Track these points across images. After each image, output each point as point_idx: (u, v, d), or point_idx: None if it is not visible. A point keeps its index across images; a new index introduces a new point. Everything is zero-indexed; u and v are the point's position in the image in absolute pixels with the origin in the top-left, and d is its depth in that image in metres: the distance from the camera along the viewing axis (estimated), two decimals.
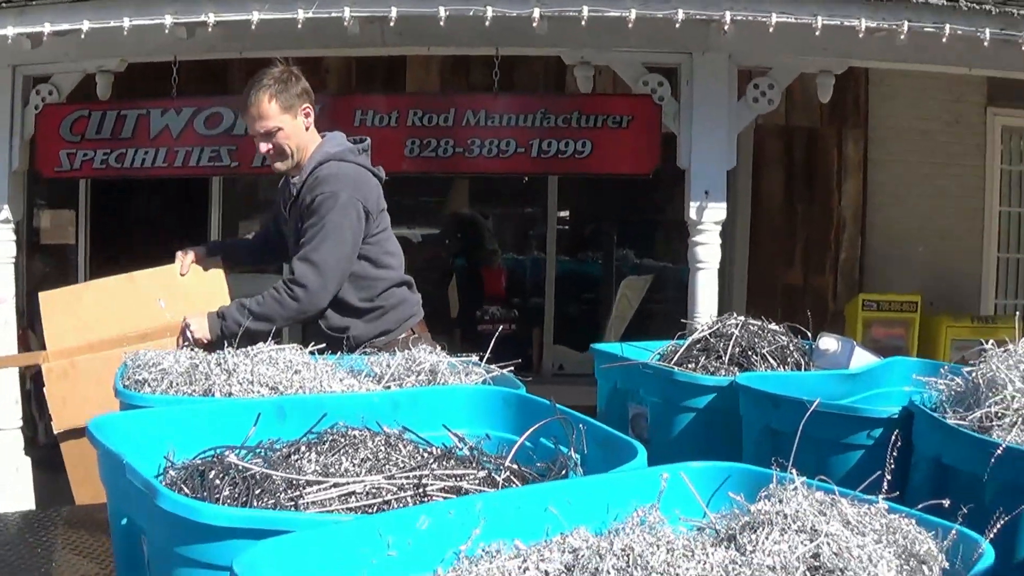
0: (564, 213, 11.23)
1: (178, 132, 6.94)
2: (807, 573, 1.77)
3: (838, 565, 1.78)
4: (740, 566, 1.72)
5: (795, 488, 2.02)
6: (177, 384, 2.91)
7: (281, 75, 4.45)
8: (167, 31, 6.30)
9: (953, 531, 1.93)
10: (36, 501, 6.85)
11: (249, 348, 3.13)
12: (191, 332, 4.18)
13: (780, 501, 1.97)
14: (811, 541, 1.83)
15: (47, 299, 4.36)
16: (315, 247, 4.31)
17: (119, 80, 7.16)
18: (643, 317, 10.30)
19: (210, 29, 6.20)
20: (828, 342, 4.15)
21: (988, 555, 1.88)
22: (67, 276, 9.43)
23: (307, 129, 4.50)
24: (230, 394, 2.90)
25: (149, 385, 2.90)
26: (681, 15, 6.29)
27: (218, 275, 4.56)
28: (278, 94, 4.41)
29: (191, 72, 7.42)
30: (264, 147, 4.46)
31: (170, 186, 9.23)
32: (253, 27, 6.14)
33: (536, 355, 10.37)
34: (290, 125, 4.44)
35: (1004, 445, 2.66)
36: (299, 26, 6.12)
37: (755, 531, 1.90)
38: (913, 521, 1.96)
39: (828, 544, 1.81)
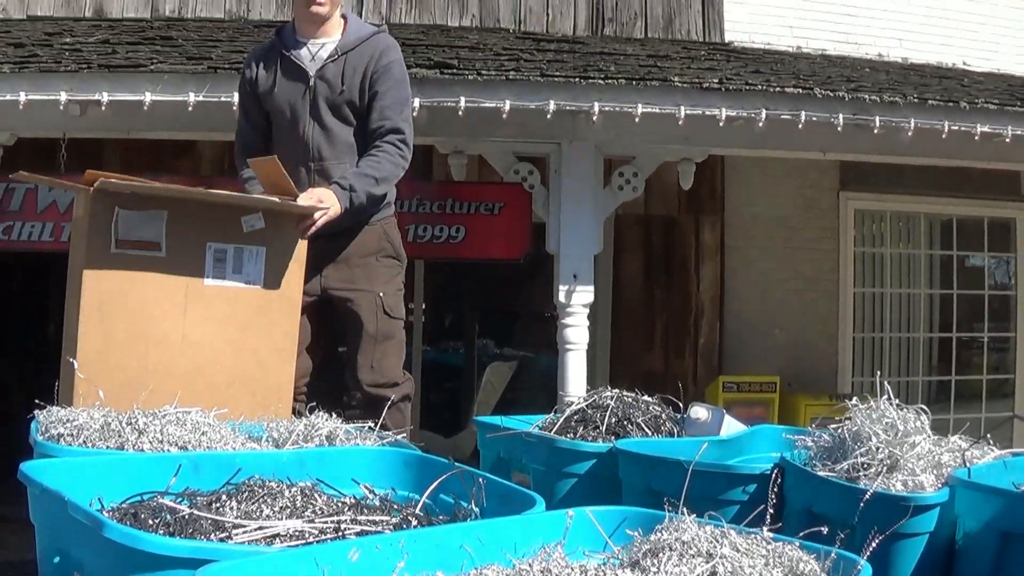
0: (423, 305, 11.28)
1: (65, 207, 6.95)
2: None
3: None
4: None
5: (688, 523, 2.22)
6: (92, 439, 3.01)
7: None
8: (61, 107, 6.38)
9: (832, 553, 2.13)
10: None
11: (156, 410, 3.23)
12: (327, 213, 4.16)
13: (676, 530, 2.16)
14: (707, 563, 2.03)
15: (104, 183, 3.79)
16: (405, 117, 4.57)
17: (6, 153, 7.15)
18: (504, 404, 10.34)
19: (103, 108, 6.30)
20: (699, 411, 4.33)
21: (866, 570, 2.08)
22: None
23: None
24: (141, 451, 3.00)
25: (64, 439, 2.99)
26: (552, 106, 6.55)
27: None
28: None
29: (73, 149, 7.43)
30: None
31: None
32: (145, 108, 6.26)
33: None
34: None
35: (871, 491, 2.91)
36: (189, 109, 6.31)
37: (656, 556, 2.09)
38: (796, 545, 2.16)
39: (723, 564, 2.01)
